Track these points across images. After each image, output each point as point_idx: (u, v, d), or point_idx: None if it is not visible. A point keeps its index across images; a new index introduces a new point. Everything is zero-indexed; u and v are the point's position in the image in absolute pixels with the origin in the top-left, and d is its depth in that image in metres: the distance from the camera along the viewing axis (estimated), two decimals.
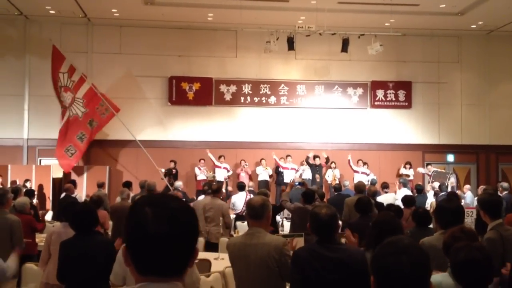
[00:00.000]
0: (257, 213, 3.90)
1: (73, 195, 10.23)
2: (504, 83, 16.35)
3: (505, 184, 11.05)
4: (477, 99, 16.21)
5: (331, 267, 3.25)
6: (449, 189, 12.78)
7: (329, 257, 3.28)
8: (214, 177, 14.03)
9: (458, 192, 12.27)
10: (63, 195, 10.64)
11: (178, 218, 1.45)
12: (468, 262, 2.57)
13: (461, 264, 2.61)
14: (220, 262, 5.86)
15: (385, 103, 15.97)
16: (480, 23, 14.86)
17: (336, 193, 10.84)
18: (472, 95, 16.21)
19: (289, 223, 8.97)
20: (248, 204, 4.09)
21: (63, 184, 12.61)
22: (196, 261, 5.28)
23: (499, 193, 9.85)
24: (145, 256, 1.43)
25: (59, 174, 13.97)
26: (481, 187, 11.23)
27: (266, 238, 3.84)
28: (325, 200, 9.85)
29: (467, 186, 13.05)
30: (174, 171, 14.10)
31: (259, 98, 15.61)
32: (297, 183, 11.06)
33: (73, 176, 13.28)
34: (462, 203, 10.67)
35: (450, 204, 4.17)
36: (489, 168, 16.25)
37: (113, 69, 15.20)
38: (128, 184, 10.49)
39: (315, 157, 14.79)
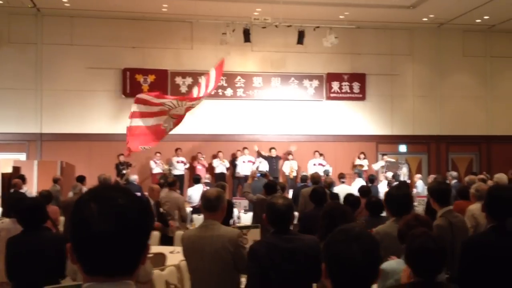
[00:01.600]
0: (212, 205, 3.88)
1: (22, 191, 9.91)
2: (454, 75, 16.82)
3: (454, 173, 11.42)
4: (429, 91, 16.62)
5: (288, 258, 3.26)
6: (402, 179, 13.11)
7: (286, 247, 3.29)
8: (170, 170, 13.89)
9: (409, 181, 12.58)
10: (11, 190, 10.30)
11: (126, 215, 1.34)
12: (423, 251, 2.61)
13: (415, 252, 2.65)
14: (176, 255, 5.79)
15: (340, 95, 16.16)
16: (432, 16, 15.21)
17: (301, 184, 10.86)
18: (424, 86, 16.61)
19: (246, 216, 9.01)
20: (203, 196, 4.06)
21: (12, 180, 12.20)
22: (151, 255, 5.24)
23: (448, 182, 10.15)
24: (91, 256, 1.33)
25: (9, 169, 13.50)
26: (431, 176, 11.55)
27: (221, 230, 3.82)
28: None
29: (418, 176, 13.41)
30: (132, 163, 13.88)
31: (215, 90, 15.46)
32: (258, 174, 11.06)
33: (23, 171, 12.85)
34: (413, 192, 10.98)
35: (398, 192, 4.25)
36: (440, 157, 16.72)
37: (65, 61, 14.79)
38: (81, 179, 10.26)
39: (271, 149, 14.84)
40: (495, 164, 16.14)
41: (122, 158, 13.74)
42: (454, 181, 10.75)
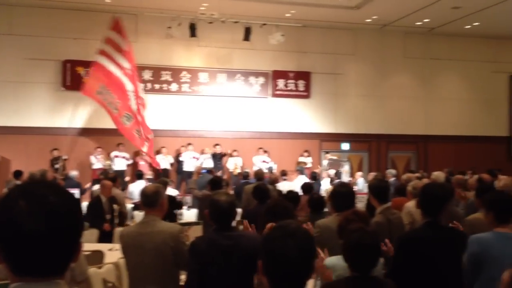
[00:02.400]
0: (151, 201, 3.82)
1: None
2: (395, 75, 17.30)
3: (393, 171, 11.76)
4: (371, 90, 17.03)
5: (229, 255, 3.25)
6: (343, 176, 13.38)
7: (226, 244, 3.28)
8: (110, 165, 13.57)
9: (351, 179, 12.85)
10: None
11: (58, 213, 1.27)
12: (359, 245, 2.67)
13: (352, 247, 2.70)
14: (115, 253, 5.65)
15: (286, 92, 16.29)
16: (375, 17, 15.58)
17: (243, 181, 10.86)
18: (366, 86, 17.00)
19: (189, 212, 8.92)
20: (142, 192, 3.99)
21: None
22: (88, 252, 5.09)
23: (387, 179, 10.43)
24: (19, 256, 1.26)
25: None
26: (372, 174, 11.83)
27: (161, 226, 3.77)
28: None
29: (359, 173, 13.72)
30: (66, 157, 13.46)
31: (160, 85, 15.30)
32: (204, 171, 10.99)
33: None
34: (356, 189, 11.18)
35: (343, 189, 4.33)
36: (380, 156, 17.19)
37: (2, 51, 14.17)
38: (18, 174, 9.85)
39: (215, 145, 14.80)
40: (432, 162, 16.74)
41: (56, 153, 13.35)
42: (392, 179, 11.06)
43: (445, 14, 15.02)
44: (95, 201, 7.43)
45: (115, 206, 7.38)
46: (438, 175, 9.15)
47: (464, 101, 17.66)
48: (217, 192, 3.69)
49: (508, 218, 3.42)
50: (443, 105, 17.49)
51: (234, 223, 7.64)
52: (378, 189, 4.59)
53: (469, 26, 16.24)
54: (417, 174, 10.67)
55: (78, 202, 1.37)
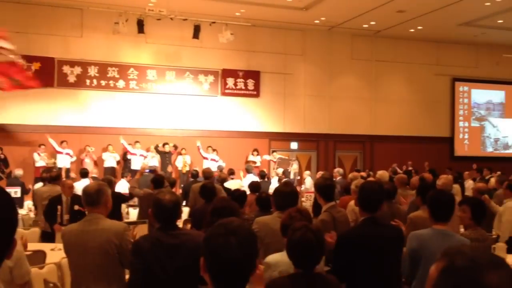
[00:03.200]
0: (93, 199, 3.72)
1: None
2: (343, 76, 17.63)
3: (340, 170, 11.97)
4: (319, 91, 17.27)
5: (173, 254, 3.21)
6: (292, 175, 13.51)
7: (170, 243, 3.23)
8: (54, 163, 13.17)
9: (299, 178, 12.99)
10: None
11: None
12: (303, 243, 2.69)
13: (296, 244, 2.72)
14: (57, 253, 5.48)
15: (235, 91, 16.30)
16: (323, 19, 15.81)
17: (192, 180, 10.76)
18: (315, 86, 17.23)
19: (135, 211, 8.76)
20: (84, 191, 3.87)
21: None
22: (29, 252, 4.91)
23: (334, 178, 10.61)
24: None
25: None
26: (320, 173, 12.00)
27: (105, 224, 3.68)
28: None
29: (307, 172, 13.90)
30: (2, 156, 12.95)
31: (106, 82, 14.96)
32: (147, 170, 10.83)
33: None
34: (302, 188, 11.33)
35: (285, 188, 4.36)
36: (328, 155, 17.47)
37: None
38: None
39: (164, 144, 14.62)
40: (377, 162, 17.16)
41: None
42: (339, 178, 11.27)
43: (391, 18, 15.43)
44: (54, 200, 7.16)
45: (76, 207, 7.11)
46: (382, 174, 9.37)
47: (408, 102, 18.19)
48: (161, 191, 3.62)
49: (446, 215, 3.53)
50: (388, 106, 17.96)
51: (181, 222, 7.59)
52: (323, 188, 4.65)
53: (413, 30, 16.75)
54: (362, 173, 10.90)
55: (10, 198, 1.35)
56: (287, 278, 2.75)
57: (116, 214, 6.66)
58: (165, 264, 3.18)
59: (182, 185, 12.09)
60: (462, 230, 4.66)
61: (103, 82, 14.90)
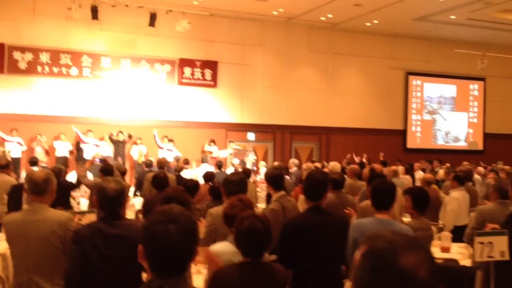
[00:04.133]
0: (40, 188, 3.63)
1: None
2: (300, 68, 17.74)
3: (296, 161, 12.08)
4: (277, 82, 17.34)
5: (113, 244, 3.15)
6: (248, 166, 13.55)
7: (112, 233, 3.18)
8: (4, 152, 12.76)
9: (255, 168, 13.04)
10: None
11: None
12: (251, 231, 2.71)
13: (244, 233, 2.74)
14: (3, 243, 5.32)
15: (192, 81, 16.16)
16: (281, 10, 15.84)
17: (146, 169, 10.63)
18: (273, 78, 17.28)
19: (85, 201, 8.60)
20: (29, 179, 3.76)
21: None
22: None
23: (290, 169, 10.71)
24: None
25: None
26: (275, 164, 12.08)
27: (49, 214, 3.59)
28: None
29: (263, 163, 13.97)
30: None
31: (59, 69, 14.57)
32: (98, 160, 10.64)
33: None
34: (258, 178, 11.39)
35: (234, 176, 4.37)
36: (284, 146, 17.60)
37: None
38: None
39: (118, 133, 14.39)
40: (333, 153, 17.40)
41: None
42: (295, 169, 11.37)
43: (348, 11, 15.60)
44: (15, 189, 6.93)
45: None
46: (334, 165, 9.54)
47: (363, 95, 18.49)
48: (107, 179, 3.55)
49: (387, 205, 3.60)
50: (344, 98, 18.20)
51: (134, 213, 7.49)
52: (273, 177, 4.69)
53: (369, 24, 17.00)
54: (317, 164, 11.04)
55: None
56: (235, 267, 2.77)
57: (64, 203, 6.54)
58: (104, 254, 3.13)
59: (136, 175, 11.94)
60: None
61: (55, 69, 14.50)
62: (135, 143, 14.79)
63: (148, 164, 10.57)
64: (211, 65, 16.40)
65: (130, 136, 14.66)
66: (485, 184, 10.42)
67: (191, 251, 1.83)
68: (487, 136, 20.22)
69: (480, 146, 20.25)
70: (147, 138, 14.87)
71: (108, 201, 3.24)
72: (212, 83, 16.41)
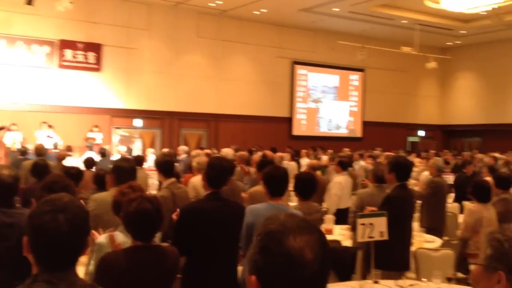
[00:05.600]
0: None
1: None
2: (189, 54, 17.52)
3: (185, 148, 11.95)
4: (165, 67, 16.99)
5: (6, 233, 3.00)
6: (135, 153, 13.18)
7: (5, 222, 3.03)
8: None
9: (143, 156, 12.68)
10: None
11: None
12: (140, 212, 2.63)
13: (133, 215, 2.65)
14: None
15: (74, 64, 15.34)
16: None
17: (21, 157, 9.96)
18: (160, 63, 16.90)
19: None
20: None
21: None
22: None
23: (178, 156, 10.57)
24: None
25: None
26: (164, 150, 11.86)
27: None
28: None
29: (151, 150, 13.66)
30: None
31: None
32: None
33: None
34: (146, 166, 11.11)
35: (124, 164, 4.20)
36: (172, 133, 17.35)
37: None
38: None
39: None
40: (222, 140, 17.48)
41: None
42: (184, 156, 11.24)
43: None
44: None
45: None
46: (227, 151, 9.57)
47: (252, 83, 18.74)
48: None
49: (280, 190, 3.66)
50: (233, 85, 18.32)
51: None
52: (162, 164, 4.60)
53: (257, 12, 17.22)
54: (206, 151, 11.00)
55: None
56: (122, 252, 2.68)
57: None
58: None
59: (11, 163, 11.10)
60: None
61: None
62: (9, 129, 13.72)
63: (23, 152, 9.90)
64: (95, 47, 15.65)
65: (4, 127, 13.57)
66: (363, 169, 11.05)
67: (82, 242, 1.75)
68: (365, 124, 21.48)
69: (359, 134, 21.47)
70: (24, 124, 13.86)
71: (4, 188, 3.01)
72: (96, 66, 15.69)
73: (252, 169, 7.61)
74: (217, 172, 3.52)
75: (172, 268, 2.78)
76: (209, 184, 3.52)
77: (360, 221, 4.07)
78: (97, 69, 15.70)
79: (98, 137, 14.75)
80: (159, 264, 2.70)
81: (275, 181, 3.65)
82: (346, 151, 13.14)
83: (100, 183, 5.83)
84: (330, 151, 13.79)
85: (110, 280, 2.55)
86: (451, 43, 21.87)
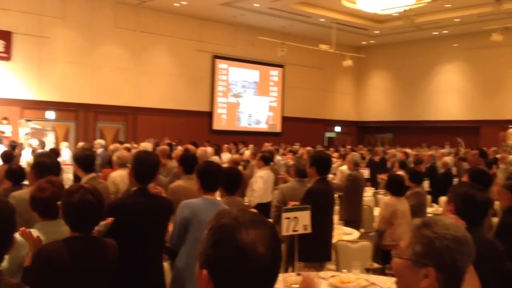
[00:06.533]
0: None
1: None
2: (106, 45, 16.96)
3: (102, 142, 11.56)
4: (80, 58, 16.33)
5: None
6: (48, 146, 12.60)
7: None
8: None
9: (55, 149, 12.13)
10: None
11: None
12: (83, 204, 2.59)
13: (75, 206, 2.60)
14: None
15: None
16: None
17: None
18: (75, 53, 16.22)
19: None
20: None
21: None
22: None
23: (95, 150, 10.20)
24: None
25: None
26: (80, 144, 11.41)
27: None
28: None
29: (65, 143, 13.08)
30: None
31: None
32: None
33: None
34: (60, 160, 10.63)
35: (47, 159, 4.00)
36: (88, 126, 16.73)
37: None
38: None
39: None
40: (140, 133, 17.10)
41: None
42: (101, 150, 10.86)
43: None
44: None
45: None
46: (146, 145, 9.38)
47: (172, 76, 18.48)
48: None
49: (214, 186, 3.70)
50: (152, 78, 17.96)
51: None
52: (83, 159, 4.44)
53: (177, 4, 16.98)
54: (126, 145, 10.71)
55: None
56: (61, 242, 2.60)
57: None
58: None
59: None
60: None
61: None
62: None
63: None
64: (4, 35, 14.76)
65: None
66: (283, 164, 11.24)
67: (8, 239, 1.71)
68: (285, 119, 21.87)
69: (278, 129, 21.82)
70: None
71: None
72: (5, 55, 14.80)
73: (172, 163, 7.49)
74: (146, 168, 3.47)
75: (112, 260, 2.75)
76: (137, 180, 3.45)
77: (285, 215, 4.12)
78: (6, 58, 14.81)
79: (8, 130, 13.93)
80: (101, 254, 2.67)
81: (209, 176, 3.65)
82: (268, 146, 13.29)
83: (14, 178, 5.51)
84: (251, 145, 13.89)
85: (51, 273, 2.47)
86: (365, 42, 22.76)
